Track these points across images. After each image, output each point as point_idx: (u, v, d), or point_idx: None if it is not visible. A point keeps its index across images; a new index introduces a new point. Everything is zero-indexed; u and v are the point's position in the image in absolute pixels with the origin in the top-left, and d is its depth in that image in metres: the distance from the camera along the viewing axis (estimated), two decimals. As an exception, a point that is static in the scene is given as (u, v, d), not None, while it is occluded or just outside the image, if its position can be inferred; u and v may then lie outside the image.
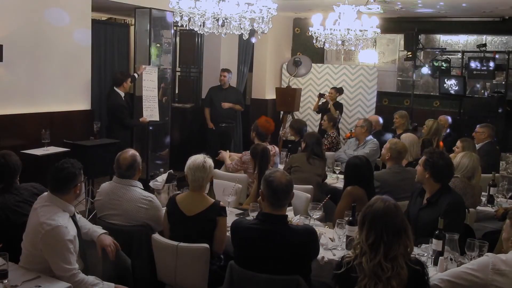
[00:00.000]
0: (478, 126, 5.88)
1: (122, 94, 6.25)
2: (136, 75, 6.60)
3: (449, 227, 2.97)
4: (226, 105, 7.46)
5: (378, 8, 5.96)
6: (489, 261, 2.40)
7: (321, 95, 7.87)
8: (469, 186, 4.10)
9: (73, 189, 2.89)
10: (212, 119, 7.54)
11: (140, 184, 3.50)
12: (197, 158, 3.32)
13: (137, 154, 3.54)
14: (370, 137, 5.95)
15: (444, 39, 9.23)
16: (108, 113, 6.51)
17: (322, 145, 5.24)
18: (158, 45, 7.06)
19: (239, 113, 8.17)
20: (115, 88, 6.25)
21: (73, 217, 2.93)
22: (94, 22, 6.58)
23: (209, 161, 3.34)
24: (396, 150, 4.45)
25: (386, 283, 2.21)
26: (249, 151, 4.87)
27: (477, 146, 5.51)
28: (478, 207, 4.25)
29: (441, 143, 6.12)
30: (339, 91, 7.98)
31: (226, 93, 7.52)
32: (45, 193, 2.93)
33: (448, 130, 6.98)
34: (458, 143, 5.09)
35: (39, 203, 2.86)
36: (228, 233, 3.04)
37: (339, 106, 7.82)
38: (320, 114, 7.69)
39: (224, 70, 7.52)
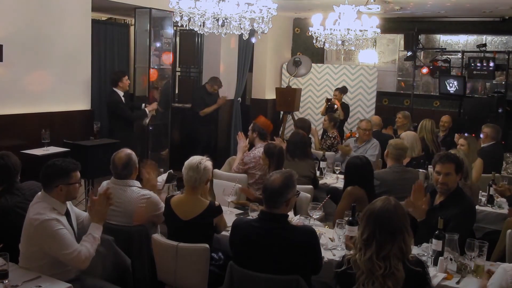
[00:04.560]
0: (484, 126, 5.70)
1: (121, 93, 6.21)
2: (146, 110, 6.51)
3: (457, 230, 2.96)
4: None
5: (378, 8, 5.96)
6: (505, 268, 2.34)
7: (328, 100, 7.87)
8: (465, 186, 4.07)
9: (56, 189, 2.83)
10: (201, 121, 7.52)
11: (137, 183, 3.50)
12: (194, 158, 3.30)
13: (133, 153, 3.52)
14: (371, 137, 5.95)
15: (444, 39, 9.24)
16: (108, 113, 6.50)
17: (306, 145, 5.00)
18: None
19: (238, 112, 8.19)
20: (113, 88, 6.23)
21: (67, 217, 2.90)
22: (94, 22, 6.57)
23: (206, 164, 3.28)
24: (396, 148, 4.45)
25: (382, 282, 2.21)
26: (249, 152, 4.87)
27: (482, 146, 5.48)
28: (478, 207, 4.23)
29: None
30: (343, 91, 7.99)
31: (213, 97, 7.57)
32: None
33: (447, 131, 6.97)
34: (462, 141, 5.01)
35: (33, 201, 2.88)
36: (227, 233, 3.04)
37: (345, 107, 7.82)
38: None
39: (219, 84, 7.50)
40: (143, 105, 6.59)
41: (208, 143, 7.71)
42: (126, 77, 6.27)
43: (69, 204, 3.00)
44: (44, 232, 2.72)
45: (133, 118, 6.43)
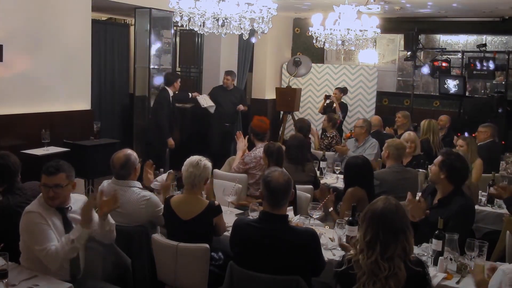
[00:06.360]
0: (480, 126, 5.85)
1: (171, 93, 6.67)
2: (190, 94, 7.34)
3: (456, 229, 2.96)
4: (241, 107, 7.62)
5: (378, 8, 5.96)
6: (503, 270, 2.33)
7: (327, 97, 7.87)
8: (465, 186, 4.06)
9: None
10: (216, 119, 7.51)
11: (138, 184, 3.50)
12: (194, 157, 3.32)
13: (133, 153, 3.51)
14: (369, 137, 5.94)
15: (444, 39, 9.24)
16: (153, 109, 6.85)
17: (304, 148, 4.79)
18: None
19: (239, 113, 8.17)
20: (165, 86, 6.71)
21: (63, 217, 2.87)
22: (94, 22, 6.58)
23: (206, 162, 3.30)
24: (398, 148, 4.44)
25: (384, 282, 2.21)
26: (250, 152, 4.86)
27: (478, 144, 5.49)
28: (478, 207, 4.23)
29: None
30: (344, 91, 8.00)
31: (231, 93, 7.50)
32: None
33: (445, 130, 6.97)
34: (461, 142, 5.00)
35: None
36: (227, 233, 3.04)
37: (344, 107, 7.82)
38: (325, 115, 7.67)
39: (228, 73, 7.46)
40: (190, 94, 7.30)
41: (222, 145, 7.56)
42: (179, 80, 6.81)
43: (75, 203, 2.98)
44: (24, 223, 2.74)
45: (163, 124, 6.58)
